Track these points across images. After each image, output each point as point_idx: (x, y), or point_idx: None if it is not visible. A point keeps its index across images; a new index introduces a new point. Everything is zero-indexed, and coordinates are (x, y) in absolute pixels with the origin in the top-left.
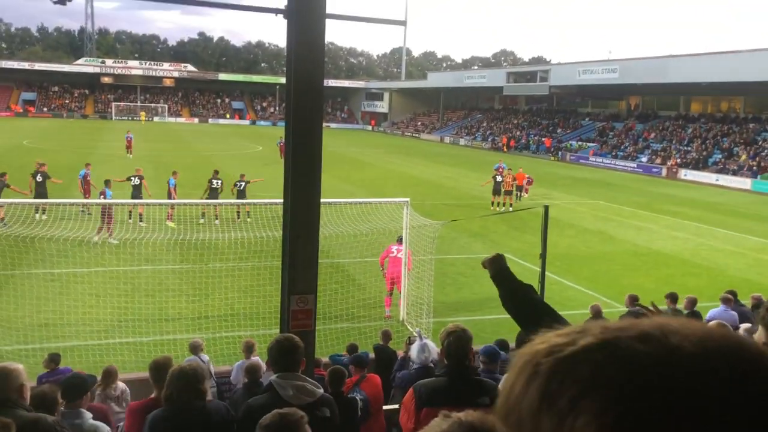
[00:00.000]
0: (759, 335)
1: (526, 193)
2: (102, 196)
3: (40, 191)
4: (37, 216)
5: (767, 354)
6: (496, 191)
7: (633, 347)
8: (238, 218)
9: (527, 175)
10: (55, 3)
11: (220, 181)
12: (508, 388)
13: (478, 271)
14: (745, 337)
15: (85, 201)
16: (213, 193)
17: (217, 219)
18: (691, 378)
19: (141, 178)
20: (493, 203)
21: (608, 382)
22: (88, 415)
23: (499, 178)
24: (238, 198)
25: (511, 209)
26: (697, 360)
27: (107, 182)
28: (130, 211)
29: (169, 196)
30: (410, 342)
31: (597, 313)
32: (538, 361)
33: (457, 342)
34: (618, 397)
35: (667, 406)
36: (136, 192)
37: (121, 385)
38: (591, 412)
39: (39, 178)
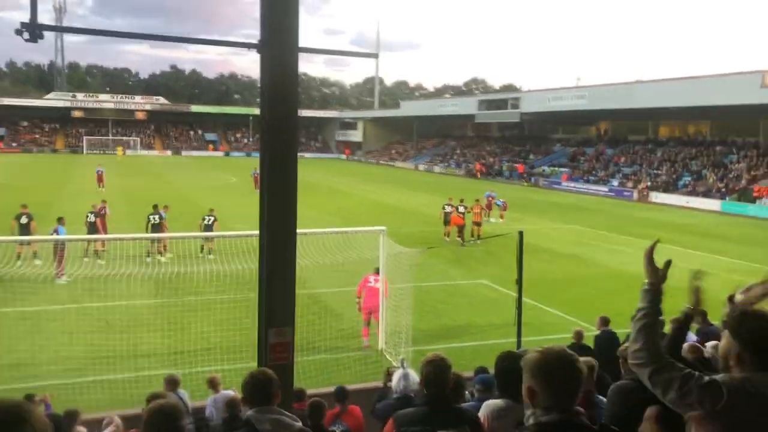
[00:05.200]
0: (723, 343)
1: (502, 218)
2: (54, 234)
3: (24, 234)
4: (19, 262)
5: None
6: (447, 222)
7: None
8: (201, 252)
9: (499, 201)
10: (26, 41)
11: (157, 216)
12: None
13: (456, 299)
14: None
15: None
16: (154, 228)
17: (165, 251)
18: None
19: (96, 215)
20: (445, 234)
21: None
22: None
23: (461, 209)
24: (205, 232)
25: (479, 241)
26: None
27: (60, 219)
28: (86, 249)
29: (162, 230)
30: (390, 372)
31: (577, 335)
32: None
33: (436, 370)
34: None
35: None
36: (92, 229)
37: (80, 428)
38: None
39: (23, 220)
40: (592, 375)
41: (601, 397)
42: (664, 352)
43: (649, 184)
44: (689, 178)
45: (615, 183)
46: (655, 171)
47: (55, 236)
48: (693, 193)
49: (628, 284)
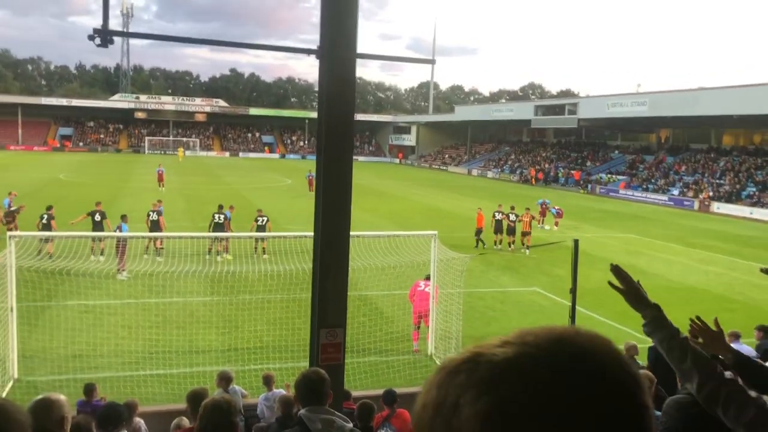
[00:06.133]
0: None
1: (556, 226)
2: (118, 231)
3: (98, 230)
4: (93, 257)
5: (596, 342)
6: (498, 230)
7: (493, 352)
8: (256, 252)
9: (554, 208)
10: (98, 46)
11: (222, 215)
12: (417, 409)
13: (507, 306)
14: (578, 330)
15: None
16: (218, 227)
17: (226, 252)
18: (536, 365)
19: (159, 213)
20: (495, 242)
21: (476, 381)
22: None
23: (513, 216)
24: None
25: (527, 251)
26: (542, 350)
27: (123, 216)
28: (147, 246)
29: (224, 230)
30: None
31: (630, 349)
32: (432, 378)
33: None
34: (484, 391)
35: (520, 394)
36: (154, 227)
37: (138, 419)
38: (469, 404)
39: (97, 218)
40: (649, 389)
41: (657, 413)
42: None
43: (711, 193)
44: (754, 189)
45: (675, 192)
46: (718, 180)
47: (118, 233)
48: (757, 204)
49: (686, 296)
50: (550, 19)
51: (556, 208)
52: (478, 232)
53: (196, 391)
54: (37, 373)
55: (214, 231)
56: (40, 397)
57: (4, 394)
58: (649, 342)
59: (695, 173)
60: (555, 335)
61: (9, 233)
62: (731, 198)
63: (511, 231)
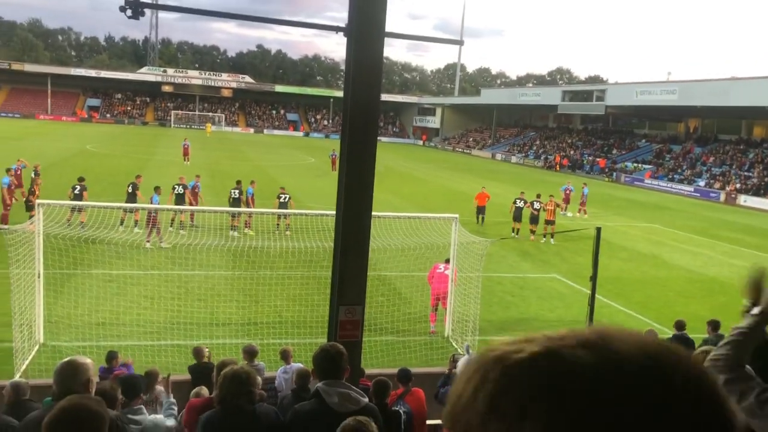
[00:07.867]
0: None
1: (579, 213)
2: (150, 202)
3: (131, 201)
4: (121, 228)
5: (691, 356)
6: (518, 217)
7: (575, 354)
8: (277, 229)
9: (586, 188)
10: (129, 17)
11: (238, 191)
12: (456, 394)
13: (526, 291)
14: (671, 344)
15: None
16: (234, 203)
17: (247, 227)
18: (630, 381)
19: (185, 187)
20: (514, 230)
21: (554, 388)
22: (146, 410)
23: (537, 205)
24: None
25: (552, 240)
26: (635, 364)
27: (156, 188)
28: (173, 219)
29: (247, 206)
30: (455, 359)
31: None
32: (487, 369)
33: None
34: (564, 403)
35: (610, 409)
36: (179, 201)
37: (159, 387)
38: (538, 417)
39: (129, 189)
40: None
41: None
42: (743, 364)
43: (738, 186)
44: None
45: (701, 183)
46: (746, 173)
47: (148, 204)
48: None
49: (708, 289)
50: (581, 2)
51: (587, 189)
52: (480, 210)
53: (226, 362)
54: (62, 339)
55: (231, 207)
56: (67, 359)
57: (30, 358)
58: (668, 334)
59: (723, 165)
60: (649, 348)
61: (37, 201)
62: (759, 191)
63: (534, 220)
